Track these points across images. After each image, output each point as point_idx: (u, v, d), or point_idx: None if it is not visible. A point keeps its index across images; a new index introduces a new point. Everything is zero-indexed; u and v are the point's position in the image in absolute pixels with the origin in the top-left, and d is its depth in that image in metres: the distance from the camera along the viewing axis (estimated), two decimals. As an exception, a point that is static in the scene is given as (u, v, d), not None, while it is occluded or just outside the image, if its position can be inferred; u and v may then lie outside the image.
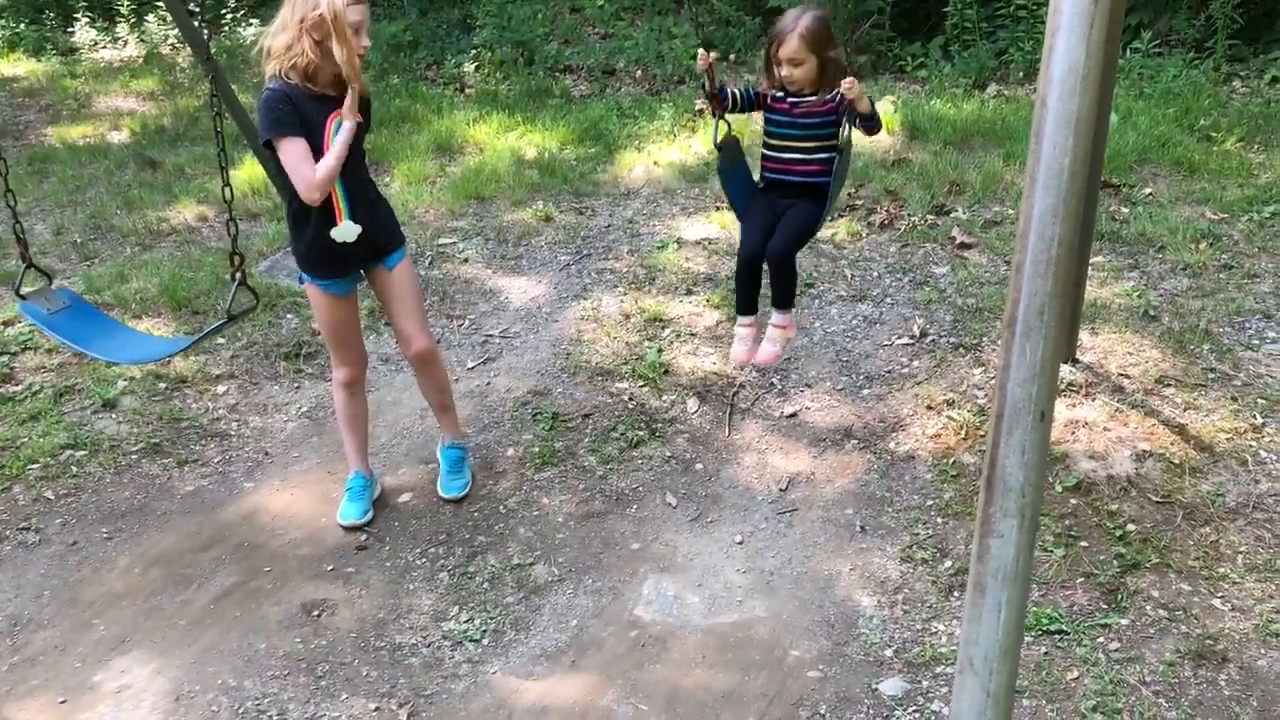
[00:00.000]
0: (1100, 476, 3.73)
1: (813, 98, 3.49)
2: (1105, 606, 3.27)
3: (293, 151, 3.24)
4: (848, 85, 3.32)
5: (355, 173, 3.44)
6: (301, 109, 3.25)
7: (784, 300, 3.65)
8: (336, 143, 3.28)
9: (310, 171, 3.26)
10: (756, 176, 3.73)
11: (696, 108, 7.42)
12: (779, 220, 3.58)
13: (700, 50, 3.54)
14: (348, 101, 3.29)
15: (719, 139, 3.58)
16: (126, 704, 3.13)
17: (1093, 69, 1.49)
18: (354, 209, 3.41)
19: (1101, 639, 3.15)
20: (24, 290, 3.76)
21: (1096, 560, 3.41)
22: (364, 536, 3.78)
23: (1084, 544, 3.48)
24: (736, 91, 3.60)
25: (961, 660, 1.65)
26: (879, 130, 3.53)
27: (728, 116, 3.59)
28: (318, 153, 3.29)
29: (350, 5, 3.20)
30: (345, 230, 3.40)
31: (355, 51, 3.23)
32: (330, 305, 3.61)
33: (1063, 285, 1.52)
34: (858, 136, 3.51)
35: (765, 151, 3.63)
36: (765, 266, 3.61)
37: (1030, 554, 1.57)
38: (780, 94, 3.55)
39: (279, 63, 3.25)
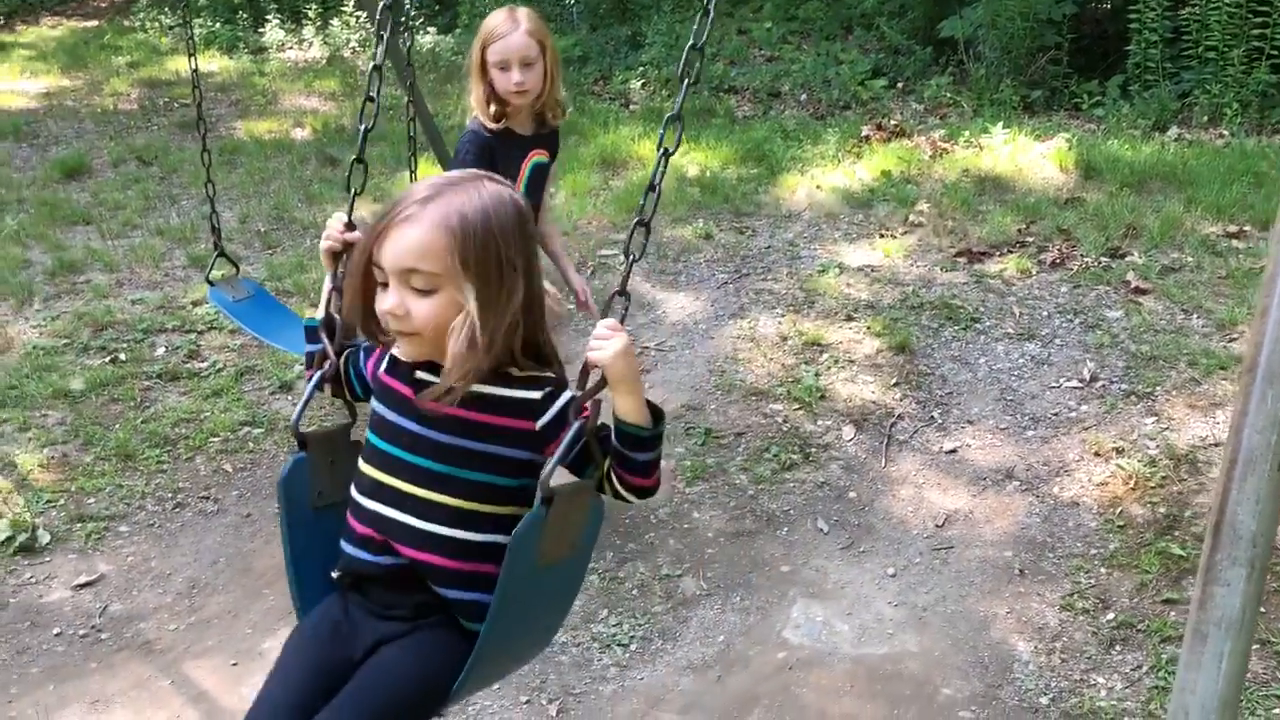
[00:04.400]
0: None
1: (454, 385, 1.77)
2: (1282, 678, 3.11)
3: None
4: (595, 350, 1.70)
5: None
6: (495, 152, 3.26)
7: None
8: None
9: None
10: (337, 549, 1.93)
11: (863, 134, 7.37)
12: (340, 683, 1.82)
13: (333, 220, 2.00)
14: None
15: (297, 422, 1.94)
16: (292, 672, 3.27)
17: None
18: None
19: (1278, 710, 3.00)
20: (213, 276, 3.99)
21: (1274, 627, 3.24)
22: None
23: (1260, 609, 3.31)
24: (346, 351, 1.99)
25: (1175, 709, 1.60)
26: (653, 482, 1.79)
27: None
28: None
29: (494, 44, 3.20)
30: None
31: (504, 89, 3.21)
32: None
33: (1305, 334, 1.47)
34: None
35: (352, 494, 1.90)
36: None
37: (1257, 605, 1.52)
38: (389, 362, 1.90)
39: (478, 112, 3.31)
